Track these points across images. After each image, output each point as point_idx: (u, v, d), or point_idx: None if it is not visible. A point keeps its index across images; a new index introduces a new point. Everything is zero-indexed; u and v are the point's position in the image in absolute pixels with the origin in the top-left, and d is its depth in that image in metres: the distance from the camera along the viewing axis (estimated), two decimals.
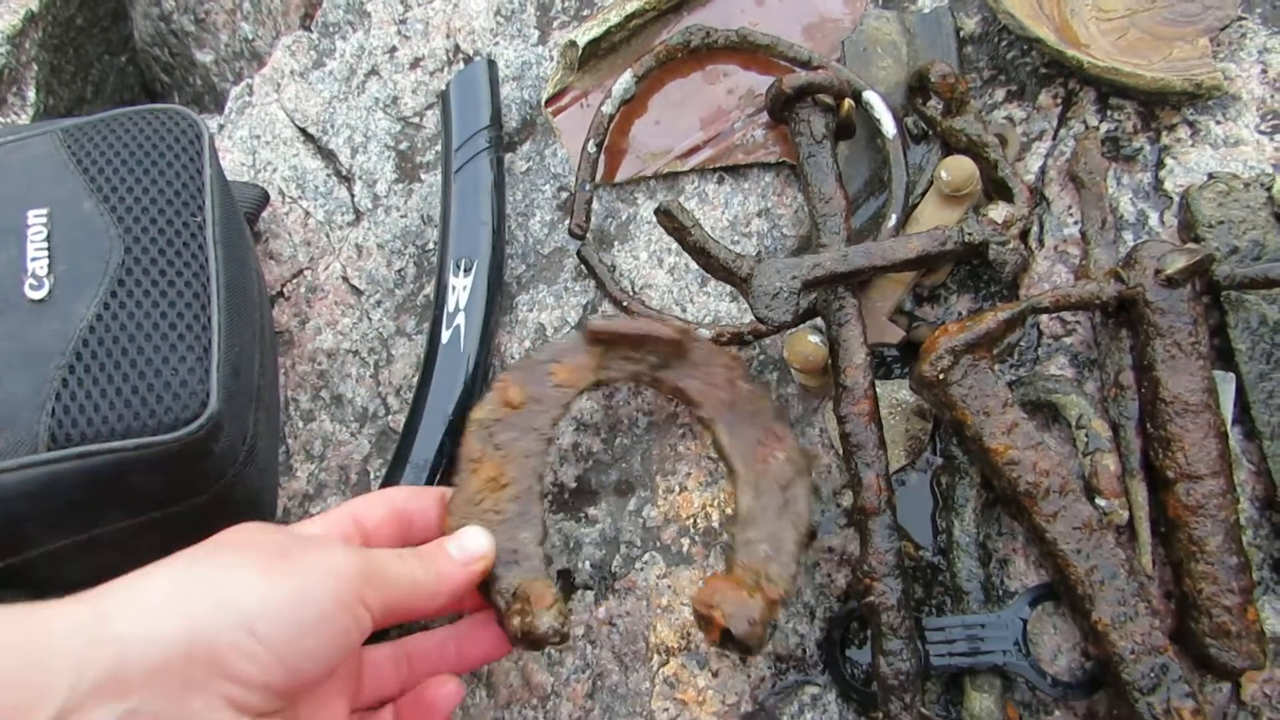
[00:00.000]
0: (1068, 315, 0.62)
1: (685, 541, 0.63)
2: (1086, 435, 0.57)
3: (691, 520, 0.64)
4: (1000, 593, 0.59)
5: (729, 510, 0.62)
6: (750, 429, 0.58)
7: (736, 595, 0.51)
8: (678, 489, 0.65)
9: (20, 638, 0.38)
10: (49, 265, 0.54)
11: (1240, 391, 0.57)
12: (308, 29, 0.86)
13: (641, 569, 0.63)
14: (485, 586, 0.52)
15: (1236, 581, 0.52)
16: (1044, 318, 0.63)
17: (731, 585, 0.51)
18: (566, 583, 0.63)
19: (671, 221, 0.58)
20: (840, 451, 0.62)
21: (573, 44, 0.71)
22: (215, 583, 0.42)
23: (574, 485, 0.66)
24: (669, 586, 0.62)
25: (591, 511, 0.65)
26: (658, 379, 0.60)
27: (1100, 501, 0.56)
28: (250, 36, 1.04)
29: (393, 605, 0.47)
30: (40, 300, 0.53)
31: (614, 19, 0.71)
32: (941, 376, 0.56)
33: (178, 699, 0.39)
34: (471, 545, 0.51)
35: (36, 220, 0.55)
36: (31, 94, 0.88)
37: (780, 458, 0.58)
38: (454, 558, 0.50)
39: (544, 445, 0.56)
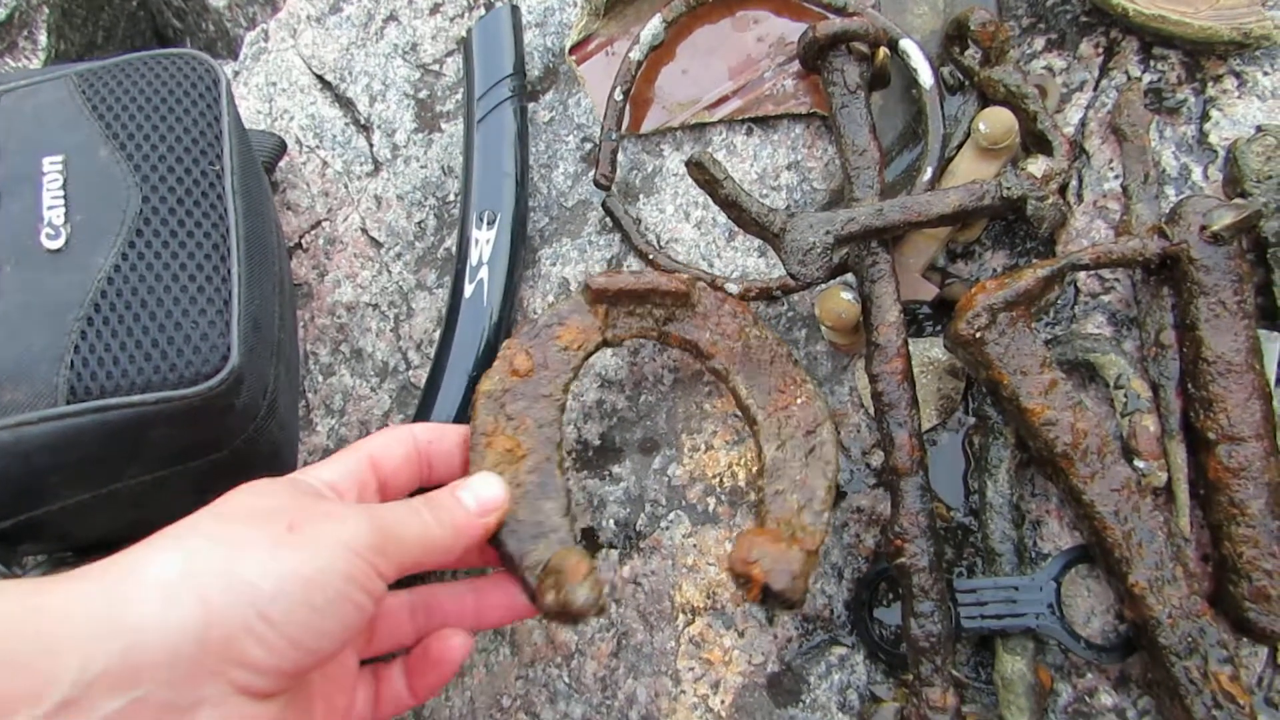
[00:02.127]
0: (1106, 272, 0.61)
1: (711, 500, 0.62)
2: (1125, 395, 0.56)
3: (718, 479, 0.63)
4: (1033, 555, 0.58)
5: (754, 468, 0.61)
6: (767, 377, 0.57)
7: (775, 549, 0.49)
8: (703, 447, 0.64)
9: (27, 621, 0.37)
10: (65, 214, 0.53)
11: None
12: None
13: (667, 528, 0.62)
14: (511, 563, 0.50)
15: (1278, 545, 0.51)
16: (1081, 275, 0.61)
17: (768, 539, 0.50)
18: (591, 541, 0.63)
19: (703, 174, 0.57)
20: (871, 411, 0.61)
21: None
22: (227, 563, 0.40)
23: (598, 443, 0.65)
24: (695, 546, 0.61)
25: (616, 470, 0.64)
26: (666, 333, 0.58)
27: (1139, 463, 0.54)
28: None
29: (408, 565, 0.45)
30: (57, 250, 0.52)
31: None
32: (978, 335, 0.54)
33: (188, 686, 0.38)
34: (486, 493, 0.49)
35: (52, 167, 0.54)
36: (43, 38, 0.86)
37: (801, 402, 0.56)
38: (469, 508, 0.49)
39: (557, 412, 0.55)
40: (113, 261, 0.52)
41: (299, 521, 0.42)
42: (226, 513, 0.43)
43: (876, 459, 0.62)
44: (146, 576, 0.39)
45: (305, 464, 0.68)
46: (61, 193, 0.53)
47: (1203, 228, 0.54)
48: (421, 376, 0.67)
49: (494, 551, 0.52)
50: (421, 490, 0.51)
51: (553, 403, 0.55)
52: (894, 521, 0.55)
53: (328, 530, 0.42)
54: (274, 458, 0.62)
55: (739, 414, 0.62)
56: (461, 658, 0.51)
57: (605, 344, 0.58)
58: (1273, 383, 0.55)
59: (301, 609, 0.40)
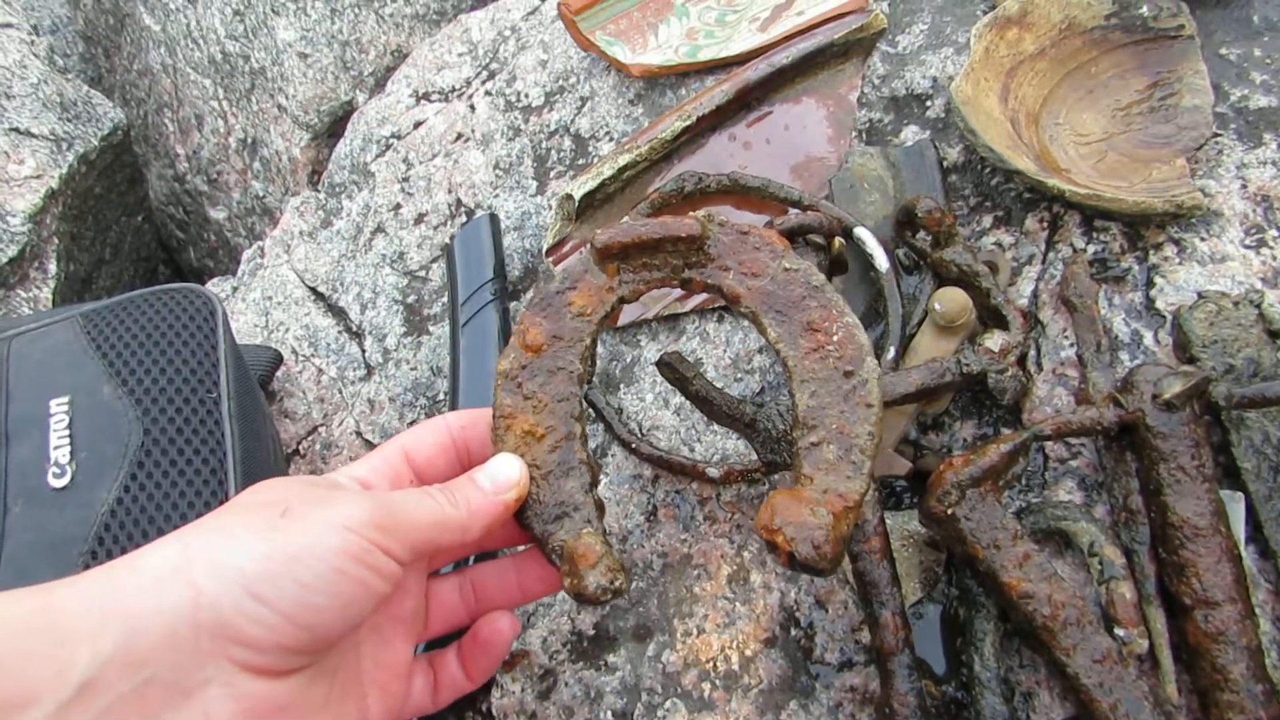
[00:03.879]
0: (1071, 439, 0.63)
1: (706, 686, 0.63)
2: (1100, 563, 0.57)
3: (711, 663, 0.63)
4: None
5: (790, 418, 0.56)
6: (798, 314, 0.52)
7: (798, 515, 0.45)
8: (696, 631, 0.64)
9: (41, 617, 0.39)
10: (70, 453, 0.56)
11: (1250, 510, 0.57)
12: (315, 187, 0.90)
13: (664, 717, 0.63)
14: (539, 544, 0.50)
15: (1264, 710, 0.51)
16: (1048, 442, 0.63)
17: (794, 502, 0.46)
18: None
19: (672, 373, 0.60)
20: (855, 588, 0.62)
21: (569, 197, 0.74)
22: (217, 550, 0.41)
23: (592, 632, 0.66)
24: None
25: (611, 659, 0.65)
26: (688, 280, 0.55)
27: (1119, 631, 0.55)
28: (261, 194, 1.08)
29: (421, 545, 0.45)
30: (63, 488, 0.55)
31: (608, 171, 0.74)
32: (949, 512, 0.56)
33: (191, 666, 0.39)
34: (501, 474, 0.49)
35: (58, 409, 0.57)
36: (53, 266, 0.91)
37: (838, 339, 0.51)
38: (484, 488, 0.48)
39: (575, 385, 0.52)
40: (115, 495, 0.55)
41: (294, 508, 0.43)
42: (228, 507, 0.45)
43: (867, 635, 0.62)
44: (143, 568, 0.41)
45: None
46: (67, 433, 0.56)
47: (1155, 395, 0.57)
48: None
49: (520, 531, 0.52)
50: None
51: (570, 375, 0.53)
52: (885, 702, 0.55)
53: (320, 512, 0.43)
54: None
55: (730, 597, 0.63)
56: (510, 639, 0.53)
57: (623, 301, 0.55)
58: (1241, 543, 0.57)
59: (291, 586, 0.41)
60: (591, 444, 0.70)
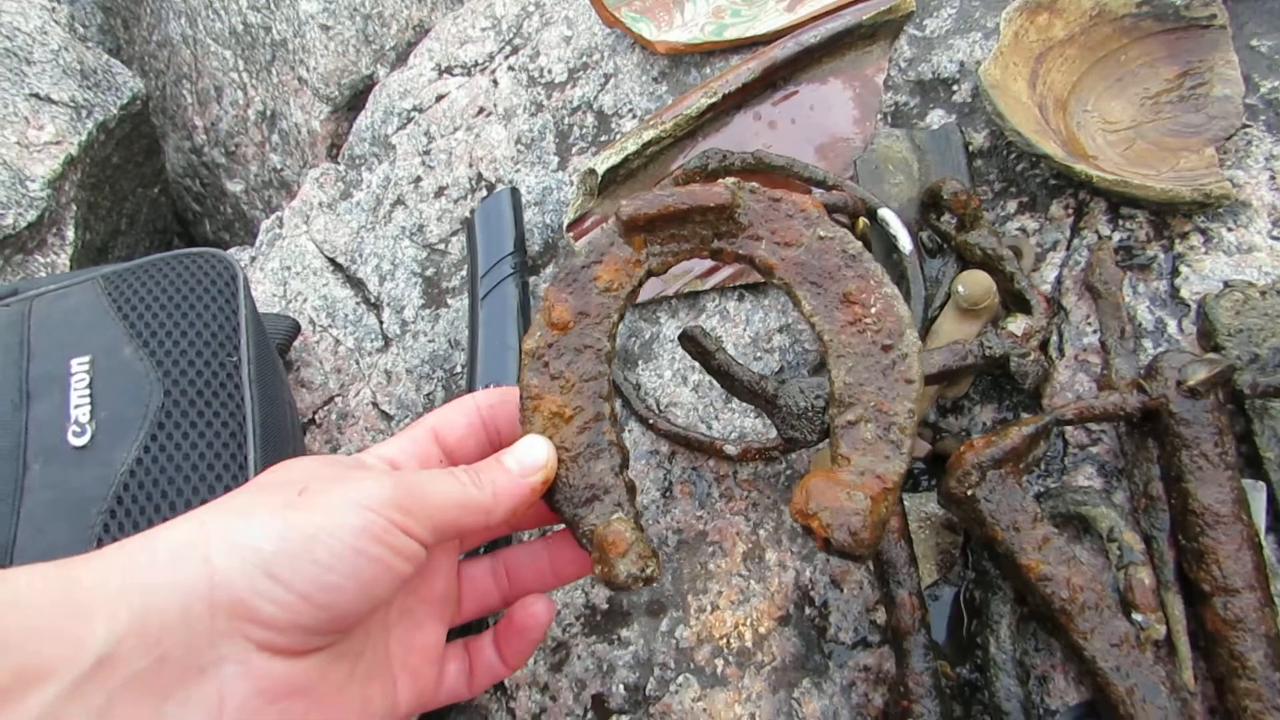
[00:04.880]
0: (1093, 425, 0.63)
1: (719, 662, 0.63)
2: (1119, 548, 0.57)
3: (725, 640, 0.63)
4: (1040, 711, 0.58)
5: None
6: (834, 285, 0.51)
7: (834, 499, 0.44)
8: (709, 608, 0.64)
9: (58, 591, 0.39)
10: (91, 412, 0.56)
11: (1272, 500, 0.57)
12: (334, 160, 0.90)
13: (676, 691, 0.63)
14: (570, 527, 0.49)
15: None
16: (1069, 428, 0.63)
17: (831, 484, 0.45)
18: (600, 708, 0.63)
19: (695, 346, 0.60)
20: (872, 568, 0.62)
21: (592, 172, 0.73)
22: (232, 529, 0.41)
23: (606, 606, 0.66)
24: (704, 710, 0.62)
25: (624, 633, 0.65)
26: (719, 250, 0.53)
27: (1137, 616, 0.55)
28: (279, 166, 1.08)
29: (445, 527, 0.45)
30: (83, 447, 0.55)
31: (632, 146, 0.74)
32: (969, 493, 0.56)
33: (205, 644, 0.39)
34: (528, 456, 0.48)
35: (79, 368, 0.57)
36: (70, 233, 0.91)
37: (876, 310, 0.49)
38: (511, 470, 0.48)
39: (604, 364, 0.51)
40: (135, 455, 0.55)
41: (313, 487, 0.43)
42: (247, 487, 0.45)
43: (882, 615, 0.62)
44: (159, 545, 0.41)
45: None
46: (88, 391, 0.56)
47: (1179, 383, 0.57)
48: None
49: (549, 512, 0.51)
50: None
51: (598, 354, 0.51)
52: (900, 681, 0.55)
53: (339, 491, 0.43)
54: None
55: (744, 574, 0.63)
56: (547, 622, 0.52)
57: (650, 274, 0.53)
58: (1262, 532, 0.56)
59: (308, 565, 0.40)
60: None
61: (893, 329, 0.49)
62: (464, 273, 0.79)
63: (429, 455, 0.50)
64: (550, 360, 0.51)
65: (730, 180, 0.52)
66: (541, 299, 0.53)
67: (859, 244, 0.51)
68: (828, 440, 0.64)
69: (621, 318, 0.53)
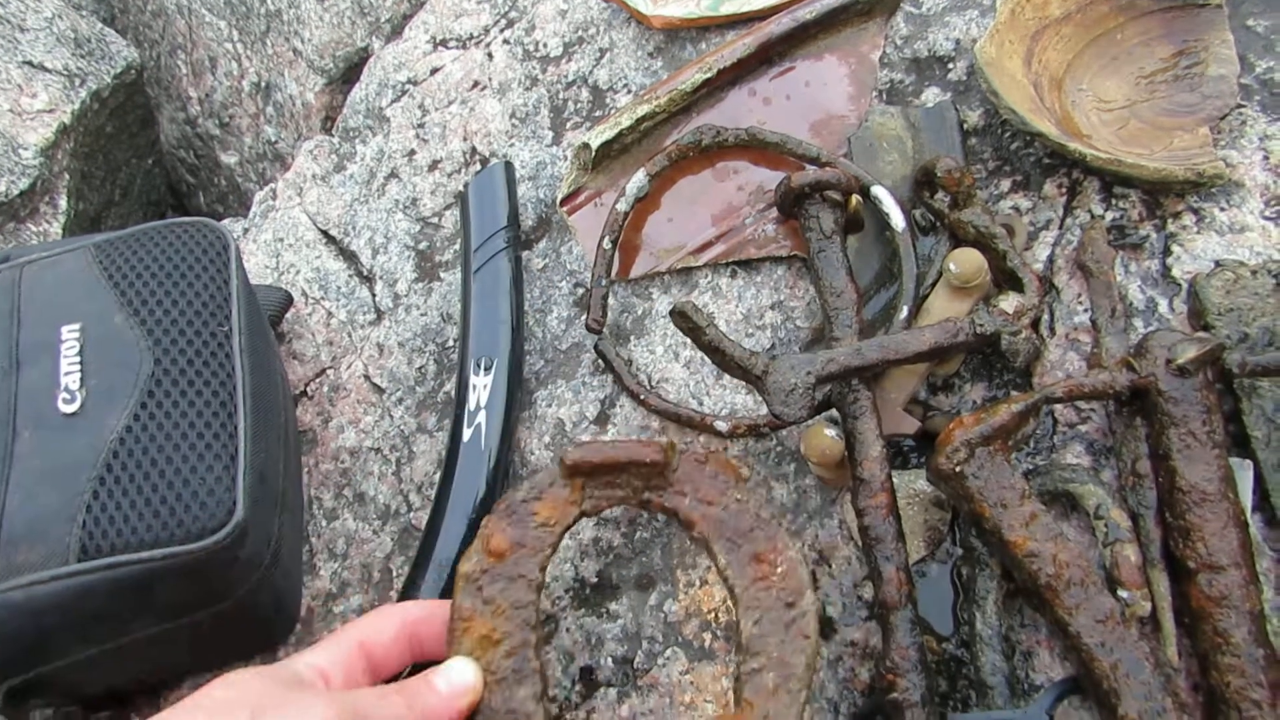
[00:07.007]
0: (1082, 403, 0.63)
1: (707, 636, 0.63)
2: (1106, 525, 0.57)
3: (713, 614, 0.64)
4: (1025, 686, 0.58)
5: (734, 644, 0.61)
6: (747, 545, 0.55)
7: None
8: (698, 582, 0.65)
9: None
10: (81, 379, 0.56)
11: (1259, 478, 0.57)
12: (329, 132, 0.89)
13: (664, 665, 0.63)
14: None
15: (1264, 675, 0.51)
16: (1058, 406, 0.63)
17: None
18: (588, 680, 0.63)
19: (686, 322, 0.60)
20: (860, 543, 0.62)
21: (586, 146, 0.73)
22: None
23: (595, 580, 0.66)
24: (692, 683, 0.62)
25: (613, 606, 0.65)
26: (646, 501, 0.57)
27: (1122, 593, 0.55)
28: (273, 139, 1.08)
29: None
30: (72, 414, 0.55)
31: (626, 121, 0.74)
32: (958, 469, 0.56)
33: None
34: (459, 678, 0.51)
35: (70, 335, 0.57)
36: (63, 202, 0.91)
37: (782, 571, 0.54)
38: (440, 691, 0.50)
39: (534, 593, 0.55)
40: (125, 423, 0.55)
41: (261, 712, 0.45)
42: (191, 709, 0.46)
43: (868, 591, 0.63)
44: None
45: (309, 608, 0.69)
46: (78, 359, 0.56)
47: (1168, 361, 0.57)
48: (423, 519, 0.69)
49: None
50: (417, 667, 0.53)
51: (530, 584, 0.55)
52: (885, 656, 0.56)
53: (292, 717, 0.45)
54: (278, 606, 0.64)
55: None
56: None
57: (583, 515, 0.57)
58: (1248, 510, 0.57)
59: None
60: (601, 394, 0.70)
61: (795, 588, 0.54)
62: (457, 246, 0.79)
63: (354, 666, 0.52)
64: (484, 585, 0.54)
65: (665, 440, 0.57)
66: (483, 526, 0.56)
67: (771, 509, 0.57)
68: (817, 417, 0.64)
69: (554, 551, 0.56)
